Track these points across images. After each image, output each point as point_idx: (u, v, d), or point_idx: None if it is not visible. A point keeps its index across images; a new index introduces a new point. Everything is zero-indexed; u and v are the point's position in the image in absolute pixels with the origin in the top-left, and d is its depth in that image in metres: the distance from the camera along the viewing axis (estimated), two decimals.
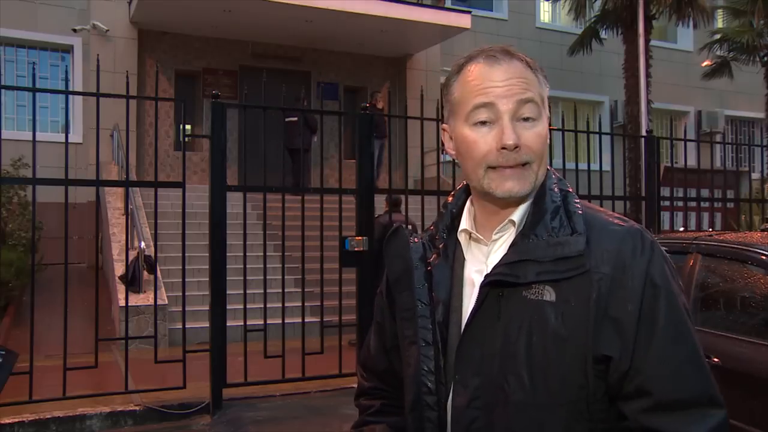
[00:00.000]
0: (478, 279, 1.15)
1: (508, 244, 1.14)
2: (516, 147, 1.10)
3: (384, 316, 1.33)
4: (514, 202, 1.15)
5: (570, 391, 1.06)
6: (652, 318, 1.06)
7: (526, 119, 1.12)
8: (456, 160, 1.22)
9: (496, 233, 1.17)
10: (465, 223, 1.22)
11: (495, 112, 1.11)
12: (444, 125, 1.22)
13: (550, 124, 1.21)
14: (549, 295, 1.08)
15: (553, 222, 1.12)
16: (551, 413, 1.06)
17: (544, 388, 1.06)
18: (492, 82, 1.12)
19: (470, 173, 1.16)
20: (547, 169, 1.22)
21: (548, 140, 1.17)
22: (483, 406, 1.11)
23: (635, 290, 1.06)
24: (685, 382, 1.04)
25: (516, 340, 1.08)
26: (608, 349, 1.05)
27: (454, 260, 1.21)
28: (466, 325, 1.14)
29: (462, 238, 1.22)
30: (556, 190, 1.17)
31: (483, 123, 1.12)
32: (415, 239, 1.27)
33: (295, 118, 10.35)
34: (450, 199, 1.29)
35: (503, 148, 1.10)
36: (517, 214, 1.15)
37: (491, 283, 1.11)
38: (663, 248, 1.13)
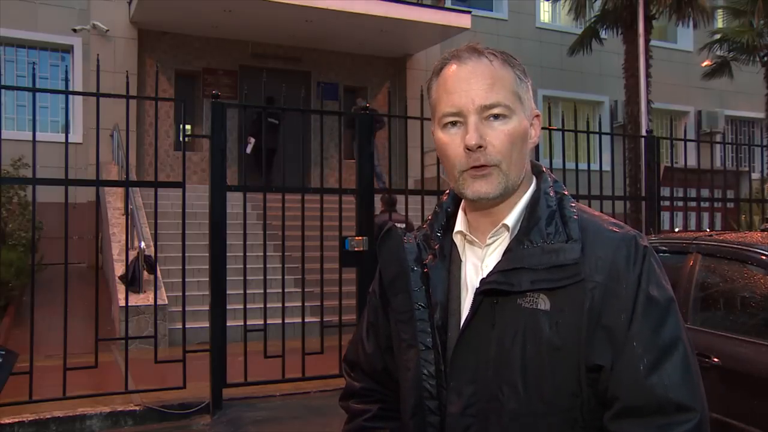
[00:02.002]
0: (475, 281, 1.14)
1: (503, 248, 1.13)
2: (479, 147, 1.09)
3: (378, 317, 1.31)
4: (491, 205, 1.14)
5: (564, 400, 1.06)
6: (639, 328, 1.05)
7: (495, 117, 1.11)
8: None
9: (491, 237, 1.16)
10: (460, 224, 1.21)
11: (462, 116, 1.11)
12: (433, 129, 1.23)
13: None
14: (543, 303, 1.07)
15: (549, 228, 1.11)
16: (545, 421, 1.06)
17: (538, 396, 1.06)
18: (458, 86, 1.12)
19: (449, 175, 1.17)
20: (543, 171, 1.21)
21: (531, 133, 1.16)
22: (477, 413, 1.10)
23: (628, 300, 1.06)
24: (652, 389, 1.03)
25: (510, 348, 1.08)
26: (600, 358, 1.05)
27: (451, 262, 1.20)
28: (460, 332, 1.13)
29: (458, 239, 1.21)
30: (551, 193, 1.16)
31: (453, 124, 1.13)
32: (409, 239, 1.25)
33: (277, 121, 10.52)
34: (444, 198, 1.27)
35: (467, 148, 1.10)
36: (511, 218, 1.15)
37: (485, 291, 1.10)
38: (655, 252, 1.12)
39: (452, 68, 1.14)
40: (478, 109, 1.10)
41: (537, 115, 1.18)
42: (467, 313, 1.12)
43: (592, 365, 1.05)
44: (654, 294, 1.06)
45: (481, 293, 1.10)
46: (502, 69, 1.13)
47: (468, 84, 1.11)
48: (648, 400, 1.02)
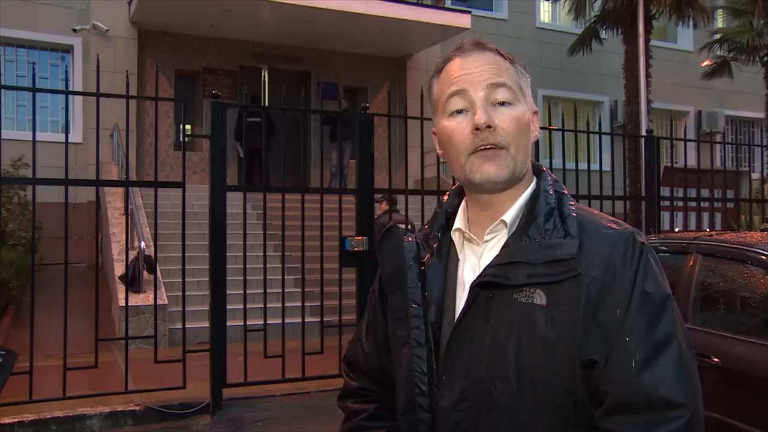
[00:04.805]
0: (472, 278, 1.14)
1: (501, 245, 1.14)
2: (488, 126, 1.10)
3: (377, 316, 1.32)
4: (497, 190, 1.14)
5: (557, 396, 1.05)
6: (633, 323, 1.04)
7: (501, 103, 1.12)
8: (444, 160, 1.22)
9: (488, 234, 1.16)
10: (459, 222, 1.21)
11: (469, 99, 1.12)
12: (433, 129, 1.23)
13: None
14: (539, 298, 1.07)
15: (547, 224, 1.11)
16: (538, 418, 1.05)
17: (532, 392, 1.05)
18: (464, 71, 1.13)
19: (454, 164, 1.16)
20: (543, 170, 1.21)
21: (531, 127, 1.16)
22: (469, 408, 1.10)
23: (623, 295, 1.05)
24: (642, 385, 1.02)
25: (504, 343, 1.07)
26: (595, 354, 1.04)
27: (448, 260, 1.20)
28: (454, 326, 1.13)
29: (456, 237, 1.21)
30: (551, 191, 1.16)
31: (459, 111, 1.13)
32: (409, 238, 1.25)
33: (258, 119, 10.51)
34: (445, 198, 1.28)
35: (476, 128, 1.10)
36: (510, 214, 1.14)
37: (481, 285, 1.10)
38: (653, 249, 1.12)
39: (456, 60, 1.16)
40: (486, 87, 1.12)
41: (535, 112, 1.19)
42: (462, 307, 1.12)
43: (586, 361, 1.04)
44: (649, 290, 1.06)
45: (476, 286, 1.10)
46: (505, 62, 1.16)
47: (474, 68, 1.13)
48: (638, 397, 1.01)
